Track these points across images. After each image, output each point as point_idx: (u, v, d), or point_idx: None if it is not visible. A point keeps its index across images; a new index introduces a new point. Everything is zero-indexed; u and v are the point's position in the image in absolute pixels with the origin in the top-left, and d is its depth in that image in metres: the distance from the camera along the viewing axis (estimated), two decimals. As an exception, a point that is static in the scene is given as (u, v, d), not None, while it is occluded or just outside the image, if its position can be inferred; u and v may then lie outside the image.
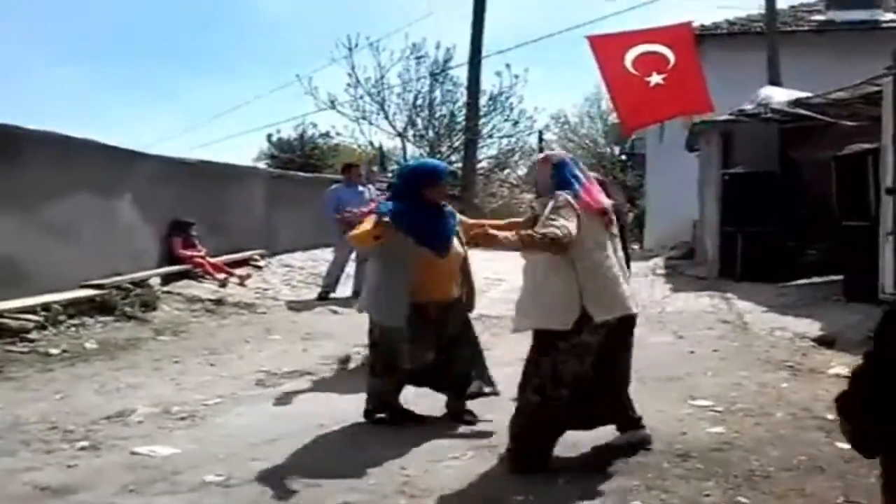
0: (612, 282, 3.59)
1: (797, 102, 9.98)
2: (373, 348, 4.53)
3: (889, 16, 15.17)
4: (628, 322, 3.70)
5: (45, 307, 6.99)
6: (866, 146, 8.16)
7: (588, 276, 3.55)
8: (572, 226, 3.49)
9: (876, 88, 7.86)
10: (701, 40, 13.68)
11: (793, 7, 16.26)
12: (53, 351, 6.38)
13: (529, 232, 3.53)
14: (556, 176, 3.74)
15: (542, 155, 4.11)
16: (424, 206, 4.37)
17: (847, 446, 3.77)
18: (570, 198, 3.60)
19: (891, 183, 7.34)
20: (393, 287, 4.31)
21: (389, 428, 4.41)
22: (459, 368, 4.51)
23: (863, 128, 8.93)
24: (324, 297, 9.35)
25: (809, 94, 9.75)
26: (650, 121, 10.48)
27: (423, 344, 4.38)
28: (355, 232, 4.36)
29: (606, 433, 3.89)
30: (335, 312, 8.64)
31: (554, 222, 3.48)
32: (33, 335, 6.58)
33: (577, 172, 3.77)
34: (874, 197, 7.79)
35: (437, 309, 4.39)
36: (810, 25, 15.29)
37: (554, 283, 3.58)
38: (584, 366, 3.58)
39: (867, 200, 7.95)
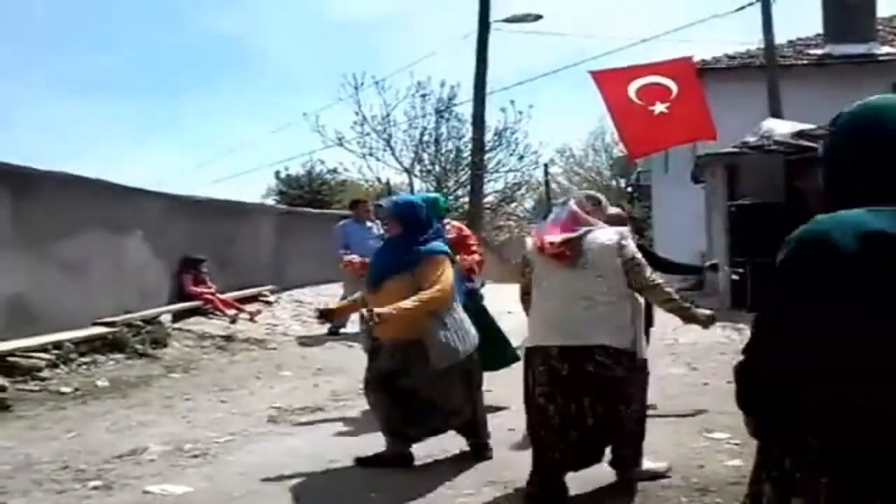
0: (537, 312, 3.80)
1: (800, 134, 10.04)
2: None
3: (885, 49, 15.31)
4: (575, 354, 3.56)
5: (57, 345, 7.00)
6: (872, 176, 8.19)
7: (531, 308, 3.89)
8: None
9: (879, 119, 7.91)
10: (702, 74, 13.80)
11: (791, 41, 16.43)
12: (65, 389, 6.37)
13: None
14: None
15: None
16: (391, 239, 4.48)
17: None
18: (528, 244, 4.00)
19: (898, 212, 7.35)
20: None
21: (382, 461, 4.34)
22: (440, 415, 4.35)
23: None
24: (335, 333, 9.34)
25: (812, 126, 9.81)
26: (655, 148, 10.51)
27: (372, 377, 4.35)
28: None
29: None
30: (346, 347, 8.63)
31: None
32: (45, 374, 6.58)
33: (550, 217, 4.01)
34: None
35: (386, 346, 4.29)
36: (809, 59, 15.43)
37: None
38: (538, 399, 3.63)
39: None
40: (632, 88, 9.56)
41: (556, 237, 3.76)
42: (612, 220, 4.48)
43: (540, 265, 3.81)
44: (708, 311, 3.97)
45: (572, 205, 3.91)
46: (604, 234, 3.82)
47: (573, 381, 3.55)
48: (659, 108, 9.29)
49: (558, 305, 3.67)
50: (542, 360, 3.62)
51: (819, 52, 15.63)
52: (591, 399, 3.56)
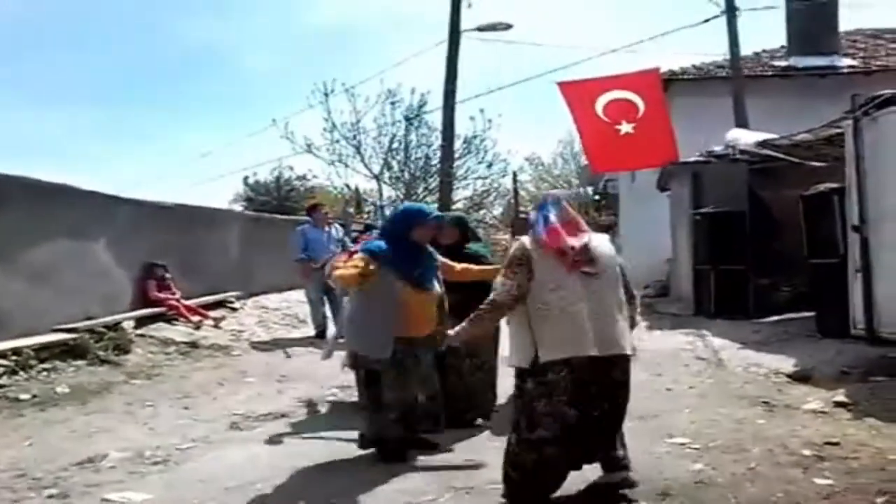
0: (565, 321, 3.54)
1: (764, 144, 10.21)
2: (363, 386, 4.70)
3: (846, 61, 15.65)
4: (603, 363, 3.55)
5: (16, 352, 6.86)
6: (832, 185, 8.35)
7: (537, 317, 3.58)
8: (512, 282, 3.64)
9: (838, 131, 8.09)
10: (669, 84, 13.98)
11: (756, 53, 16.70)
12: (24, 396, 6.24)
13: (476, 314, 3.80)
14: (532, 217, 3.83)
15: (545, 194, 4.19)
16: (409, 245, 4.59)
17: (825, 482, 3.83)
18: (526, 242, 3.70)
19: (857, 221, 7.50)
20: (378, 322, 4.42)
21: (363, 468, 4.36)
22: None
23: (827, 168, 9.15)
24: (322, 335, 9.31)
25: (775, 136, 9.98)
26: (618, 168, 10.62)
27: (407, 378, 4.51)
28: (343, 272, 4.41)
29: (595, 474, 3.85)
30: (311, 353, 8.57)
31: (497, 286, 3.74)
32: (3, 380, 6.44)
33: (551, 213, 3.75)
34: (841, 234, 7.95)
35: (414, 344, 4.53)
36: (773, 70, 15.71)
37: (514, 322, 3.74)
38: (558, 405, 3.51)
39: (835, 238, 8.10)
40: (599, 104, 9.68)
41: (576, 241, 3.66)
42: (602, 229, 4.56)
43: (549, 270, 3.60)
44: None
45: (566, 205, 3.84)
46: (602, 241, 3.81)
47: (600, 389, 3.57)
48: (625, 127, 9.42)
49: (586, 314, 3.55)
50: (569, 371, 3.51)
51: (783, 63, 15.92)
52: (609, 405, 3.61)
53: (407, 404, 4.54)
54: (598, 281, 3.65)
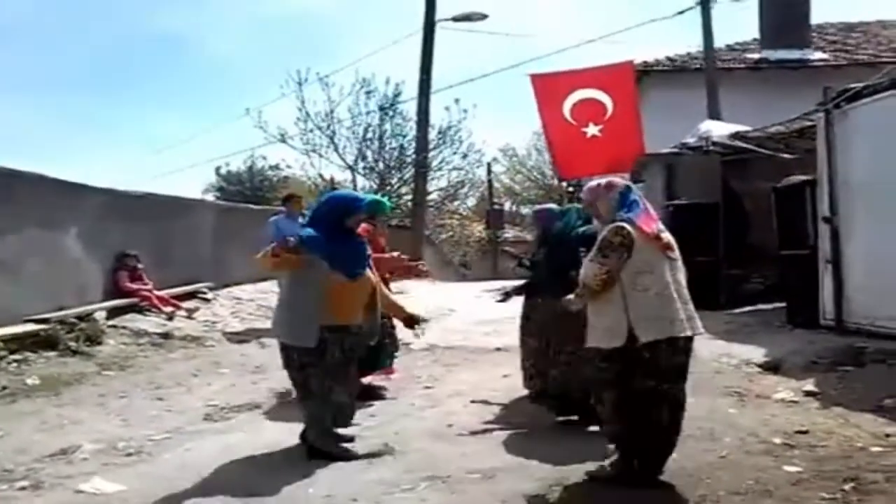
0: (662, 303, 3.69)
1: (737, 136, 10.32)
2: (302, 372, 4.44)
3: (818, 55, 15.87)
4: (685, 342, 3.74)
5: (-16, 343, 6.76)
6: (803, 177, 8.46)
7: (634, 299, 3.68)
8: (603, 267, 3.70)
9: (809, 123, 8.20)
10: (643, 76, 14.09)
11: (729, 45, 16.87)
12: (-7, 388, 6.16)
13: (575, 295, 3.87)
14: (620, 201, 3.90)
15: (604, 181, 4.11)
16: (341, 233, 4.46)
17: (794, 469, 3.90)
18: (629, 228, 3.75)
19: (828, 212, 7.62)
20: (303, 310, 4.33)
21: (339, 459, 4.33)
22: None
23: (799, 160, 9.28)
24: None
25: (748, 128, 10.09)
26: (586, 174, 10.64)
27: (336, 367, 4.41)
28: (259, 256, 4.34)
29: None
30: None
31: (588, 269, 3.77)
32: (-29, 372, 6.36)
33: (638, 199, 3.94)
34: (812, 226, 8.07)
35: (346, 333, 4.42)
36: (746, 63, 15.88)
37: (601, 304, 3.77)
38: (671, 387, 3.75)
39: (806, 230, 8.22)
40: (567, 104, 9.71)
41: (659, 227, 3.87)
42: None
43: (645, 254, 3.73)
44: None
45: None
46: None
47: (673, 367, 3.75)
48: (592, 130, 9.48)
49: (675, 296, 3.72)
50: (665, 347, 3.66)
51: (755, 56, 16.09)
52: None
53: (335, 407, 4.44)
54: (677, 264, 3.87)
